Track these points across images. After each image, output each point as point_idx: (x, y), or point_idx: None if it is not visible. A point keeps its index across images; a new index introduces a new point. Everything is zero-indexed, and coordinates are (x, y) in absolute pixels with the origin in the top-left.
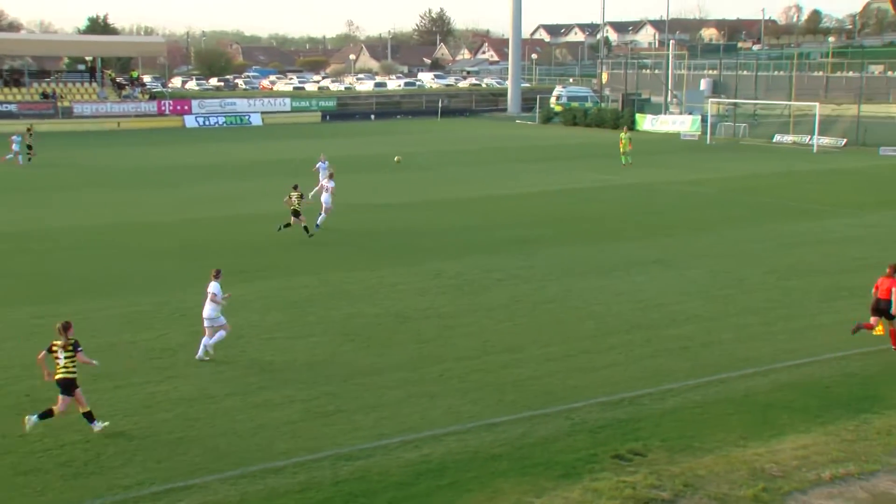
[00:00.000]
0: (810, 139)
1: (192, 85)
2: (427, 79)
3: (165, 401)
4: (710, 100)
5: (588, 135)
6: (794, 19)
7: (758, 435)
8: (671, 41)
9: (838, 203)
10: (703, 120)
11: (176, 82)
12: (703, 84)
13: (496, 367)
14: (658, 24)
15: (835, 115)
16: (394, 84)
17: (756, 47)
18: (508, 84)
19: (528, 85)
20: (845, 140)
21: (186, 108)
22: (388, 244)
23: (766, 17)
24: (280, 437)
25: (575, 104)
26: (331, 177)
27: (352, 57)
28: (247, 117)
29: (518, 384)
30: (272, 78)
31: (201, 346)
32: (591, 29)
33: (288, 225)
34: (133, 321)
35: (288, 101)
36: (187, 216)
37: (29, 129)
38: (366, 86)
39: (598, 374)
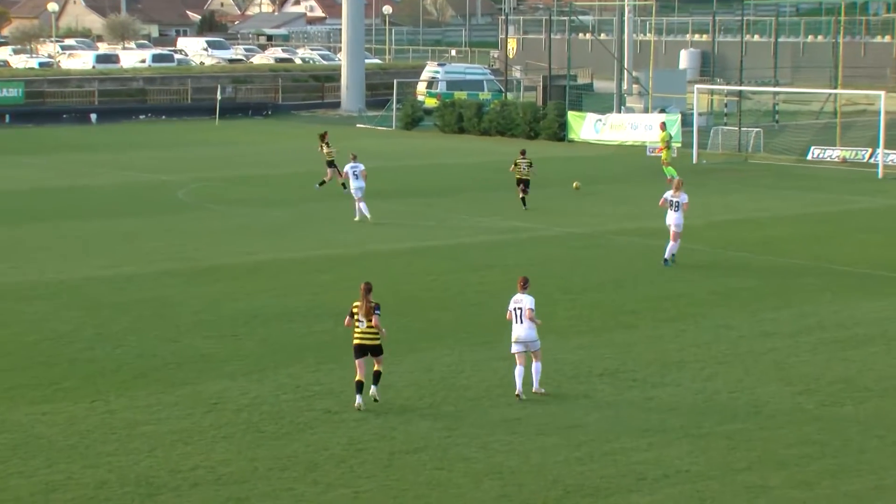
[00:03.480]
0: (871, 154)
1: None
2: (195, 49)
3: None
4: (698, 86)
5: (486, 149)
6: None
7: None
8: None
9: None
10: (686, 122)
11: None
12: (685, 58)
13: None
14: None
15: None
16: (134, 58)
17: None
18: (342, 60)
19: (377, 61)
20: None
21: None
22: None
23: None
24: None
25: (461, 95)
26: None
27: (53, 7)
28: None
29: None
30: None
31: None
32: None
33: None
34: None
35: None
36: None
37: None
38: (81, 61)
39: None
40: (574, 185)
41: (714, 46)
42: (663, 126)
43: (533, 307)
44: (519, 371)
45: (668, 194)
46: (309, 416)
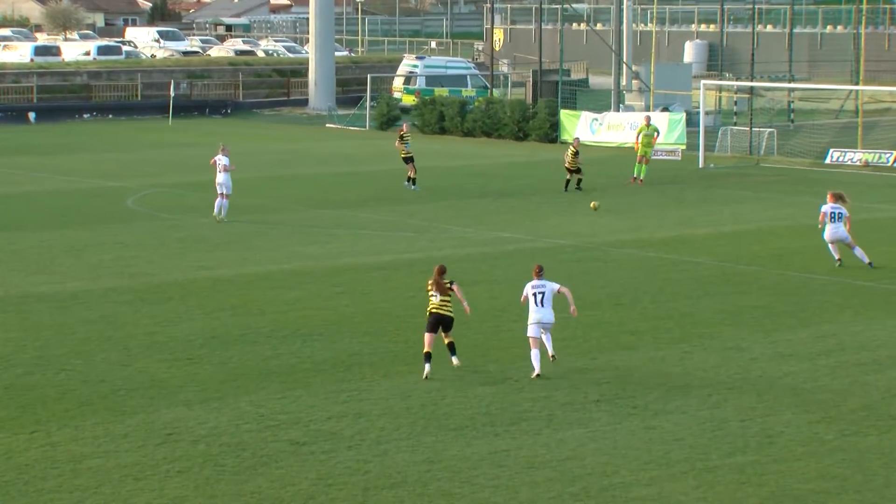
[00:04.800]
0: None
1: None
2: (145, 40)
3: None
4: (704, 82)
5: (470, 151)
6: None
7: None
8: None
9: None
10: (691, 121)
11: None
12: (690, 51)
13: None
14: None
15: None
16: (77, 51)
17: None
18: (310, 53)
19: (348, 53)
20: None
21: None
22: None
23: None
24: None
25: (442, 91)
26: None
27: None
28: None
29: None
30: None
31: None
32: None
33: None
34: None
35: None
36: None
37: None
38: (18, 53)
39: None
40: (592, 205)
41: (722, 38)
42: (648, 120)
43: (556, 288)
44: (535, 354)
45: None
46: (273, 448)
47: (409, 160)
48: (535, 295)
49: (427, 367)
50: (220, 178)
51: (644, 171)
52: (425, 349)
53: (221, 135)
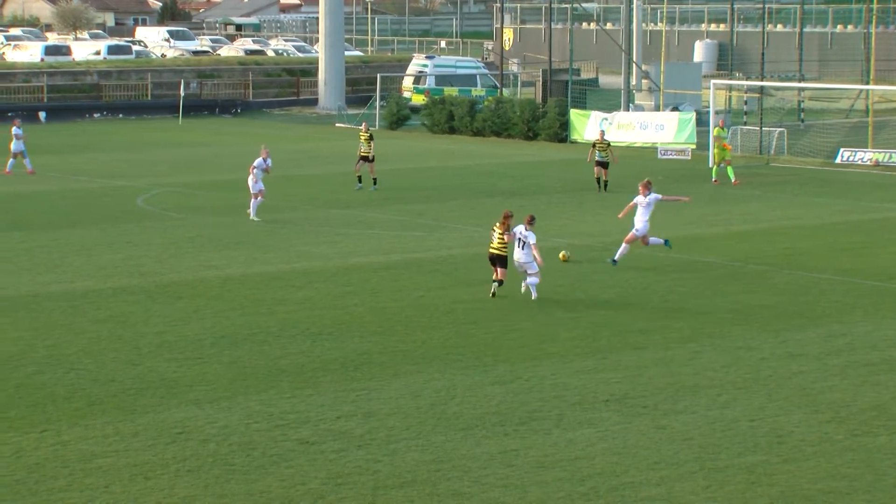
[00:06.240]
0: None
1: None
2: (155, 40)
3: None
4: (714, 81)
5: (479, 151)
6: None
7: None
8: None
9: None
10: (701, 121)
11: None
12: (700, 51)
13: None
14: None
15: None
16: (87, 50)
17: None
18: (320, 52)
19: (358, 53)
20: None
21: None
22: None
23: None
24: None
25: (451, 91)
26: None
27: None
28: None
29: None
30: None
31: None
32: None
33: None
34: None
35: None
36: None
37: None
38: (28, 53)
39: None
40: (561, 255)
41: (732, 37)
42: (722, 124)
43: (535, 243)
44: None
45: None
46: (283, 448)
47: (369, 159)
48: (519, 240)
49: (494, 286)
50: (258, 179)
51: (731, 171)
52: (493, 277)
53: (232, 134)
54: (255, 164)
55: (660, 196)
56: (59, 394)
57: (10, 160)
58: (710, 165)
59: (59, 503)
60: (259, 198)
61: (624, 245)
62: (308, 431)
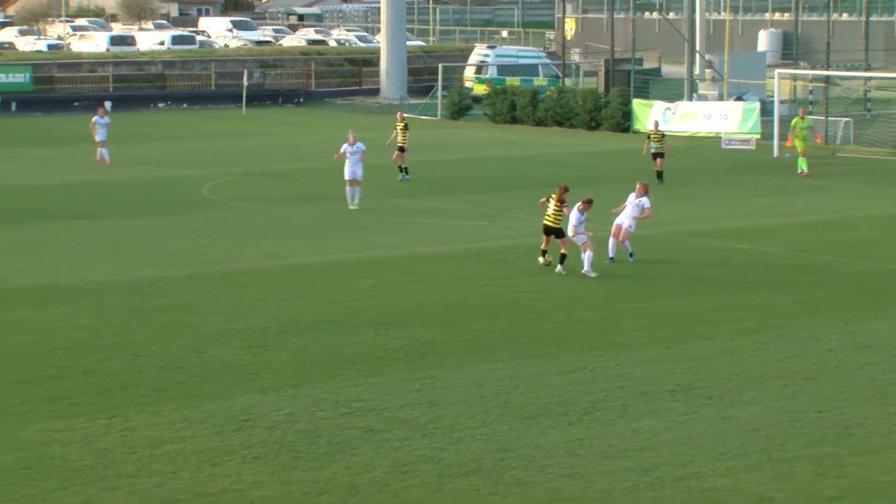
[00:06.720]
0: None
1: None
2: (219, 30)
3: None
4: (779, 71)
5: (542, 141)
6: None
7: None
8: None
9: None
10: (766, 111)
11: None
12: (764, 40)
13: None
14: None
15: None
16: (151, 41)
17: None
18: (382, 42)
19: (420, 43)
20: None
21: None
22: None
23: None
24: None
25: (513, 80)
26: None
27: None
28: None
29: None
30: None
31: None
32: None
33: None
34: None
35: None
36: None
37: None
38: (94, 43)
39: None
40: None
41: (797, 26)
42: (803, 114)
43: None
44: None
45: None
46: (348, 436)
47: (403, 149)
48: (578, 223)
49: (540, 259)
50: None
51: (804, 163)
52: (542, 247)
53: (295, 123)
54: (342, 148)
55: (648, 204)
56: (127, 380)
57: (101, 150)
58: (791, 156)
59: (128, 488)
60: (354, 186)
61: (612, 240)
62: (373, 420)
